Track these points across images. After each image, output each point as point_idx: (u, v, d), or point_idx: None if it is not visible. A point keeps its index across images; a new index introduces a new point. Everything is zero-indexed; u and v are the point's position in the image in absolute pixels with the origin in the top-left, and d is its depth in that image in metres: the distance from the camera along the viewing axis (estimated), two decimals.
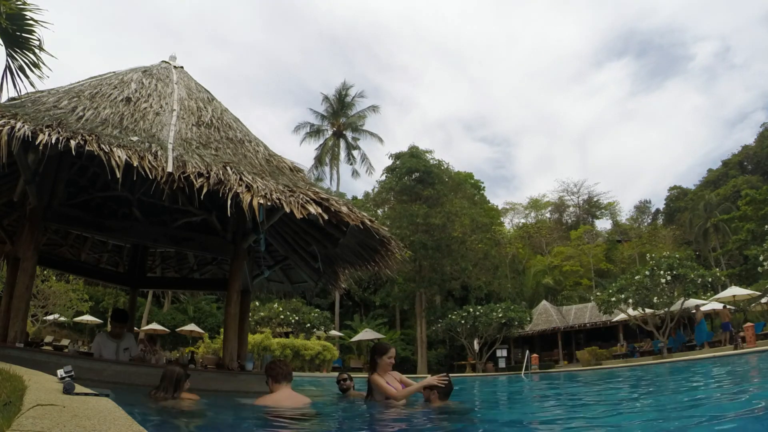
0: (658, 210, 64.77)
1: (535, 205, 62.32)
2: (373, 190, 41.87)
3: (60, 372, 2.72)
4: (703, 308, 24.40)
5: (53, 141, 4.83)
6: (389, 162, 37.47)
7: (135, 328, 9.66)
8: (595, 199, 61.98)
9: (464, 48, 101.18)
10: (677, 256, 23.45)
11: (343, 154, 44.02)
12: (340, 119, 43.89)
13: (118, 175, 4.84)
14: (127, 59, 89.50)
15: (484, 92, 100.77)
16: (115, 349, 6.51)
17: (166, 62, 8.71)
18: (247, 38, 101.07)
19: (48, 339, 15.93)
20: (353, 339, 33.75)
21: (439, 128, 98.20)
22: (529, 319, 30.51)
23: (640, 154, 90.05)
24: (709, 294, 26.32)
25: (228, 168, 5.79)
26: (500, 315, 28.29)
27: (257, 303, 26.17)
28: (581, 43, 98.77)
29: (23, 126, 4.81)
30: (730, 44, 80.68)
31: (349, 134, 44.48)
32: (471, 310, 29.32)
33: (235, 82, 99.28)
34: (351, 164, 44.15)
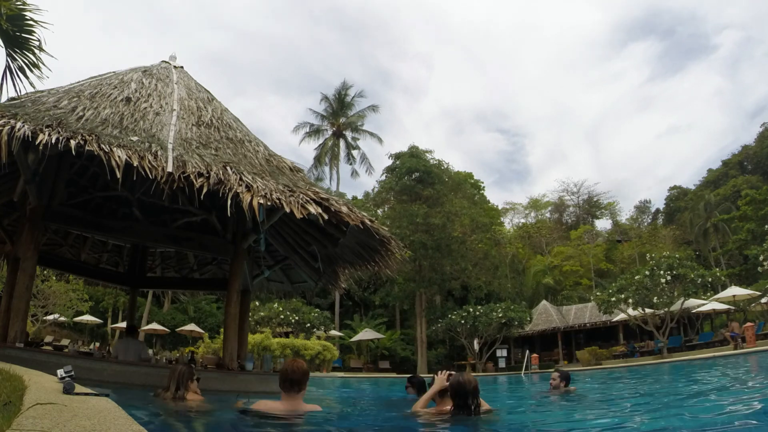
0: (658, 210, 64.73)
1: (535, 205, 62.28)
2: (373, 190, 41.90)
3: (60, 372, 2.73)
4: (702, 308, 24.44)
5: (53, 141, 4.83)
6: (389, 162, 37.53)
7: (138, 331, 9.66)
8: (595, 199, 61.95)
9: (479, 32, 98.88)
10: (677, 256, 23.45)
11: (342, 154, 44.05)
12: (339, 119, 43.89)
13: (118, 175, 4.85)
14: (126, 44, 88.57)
15: (498, 81, 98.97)
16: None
17: (166, 62, 8.72)
18: (254, 22, 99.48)
19: (48, 339, 15.89)
20: (353, 339, 33.73)
21: (450, 118, 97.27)
22: (529, 319, 30.51)
23: (657, 146, 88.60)
24: (709, 294, 26.31)
25: (228, 168, 5.79)
26: (500, 315, 28.29)
27: (257, 303, 26.14)
28: (600, 28, 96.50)
29: (23, 126, 4.81)
30: (752, 34, 79.47)
31: (348, 134, 44.49)
32: (471, 310, 29.31)
33: (241, 70, 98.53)
34: (351, 164, 44.20)
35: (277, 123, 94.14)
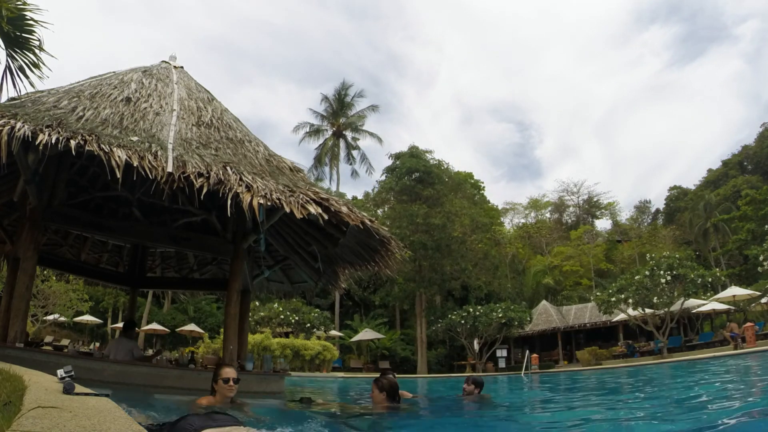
0: (658, 210, 64.73)
1: (535, 205, 62.26)
2: (373, 190, 41.89)
3: (60, 372, 2.72)
4: (702, 308, 24.42)
5: (53, 141, 4.83)
6: (389, 162, 37.54)
7: (135, 329, 9.67)
8: (595, 199, 61.94)
9: (492, 17, 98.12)
10: (677, 256, 23.44)
11: (342, 154, 44.05)
12: (339, 119, 43.90)
13: (118, 175, 4.85)
14: (126, 32, 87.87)
15: (510, 70, 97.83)
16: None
17: (166, 62, 8.72)
18: (261, 7, 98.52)
19: (48, 339, 15.87)
20: (353, 339, 33.74)
21: (460, 108, 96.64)
22: (529, 319, 30.50)
23: (675, 138, 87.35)
24: (709, 294, 26.31)
25: (228, 168, 5.79)
26: (500, 315, 28.29)
27: (257, 303, 26.16)
28: (617, 17, 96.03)
29: (23, 126, 4.81)
30: None
31: (348, 134, 44.49)
32: (471, 310, 29.31)
33: (247, 58, 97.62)
34: (351, 164, 44.20)
35: (285, 113, 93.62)
